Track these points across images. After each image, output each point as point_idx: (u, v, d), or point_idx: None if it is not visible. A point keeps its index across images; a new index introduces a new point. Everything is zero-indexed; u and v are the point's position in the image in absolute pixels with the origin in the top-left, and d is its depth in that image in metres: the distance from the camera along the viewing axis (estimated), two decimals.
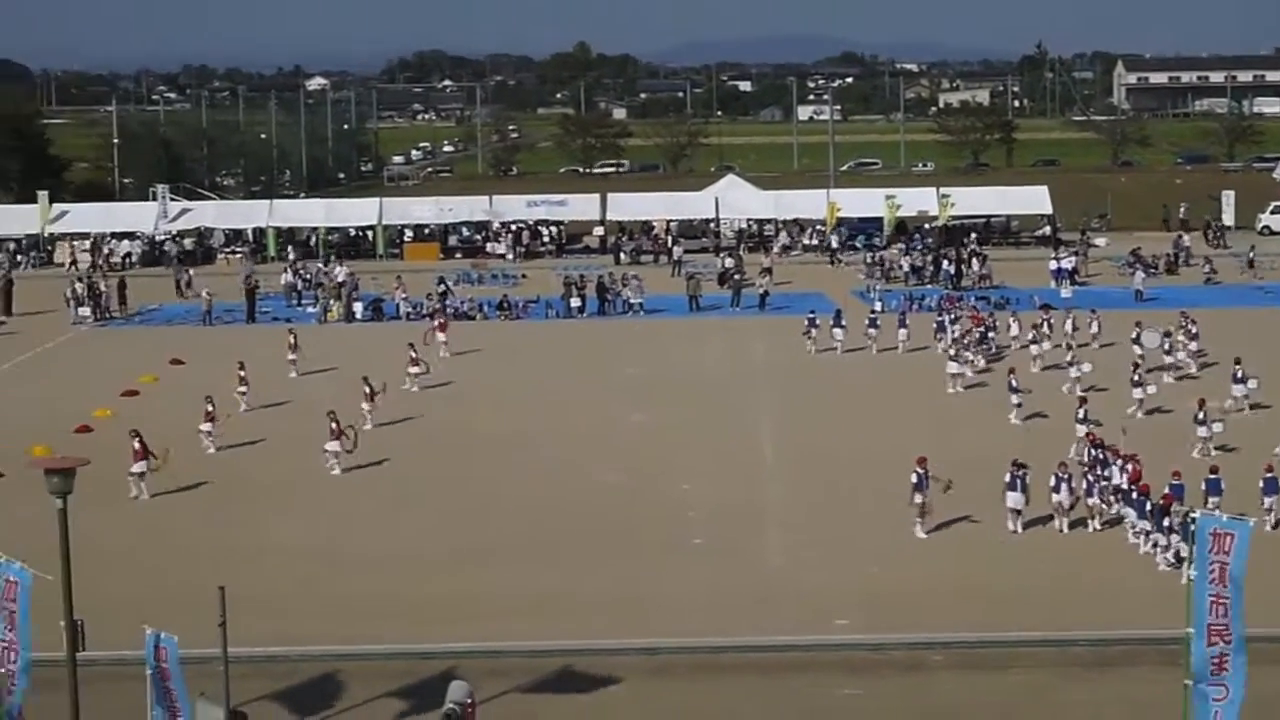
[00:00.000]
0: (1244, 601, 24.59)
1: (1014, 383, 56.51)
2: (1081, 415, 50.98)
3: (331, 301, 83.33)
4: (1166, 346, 63.66)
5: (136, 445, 46.95)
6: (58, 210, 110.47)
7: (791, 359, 68.30)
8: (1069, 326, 68.70)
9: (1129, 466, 43.12)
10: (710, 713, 31.37)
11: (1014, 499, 42.24)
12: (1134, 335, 64.43)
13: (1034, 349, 65.25)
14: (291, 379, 64.37)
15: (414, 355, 62.93)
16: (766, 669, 33.64)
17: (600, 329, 78.80)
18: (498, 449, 52.88)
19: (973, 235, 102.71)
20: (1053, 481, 42.41)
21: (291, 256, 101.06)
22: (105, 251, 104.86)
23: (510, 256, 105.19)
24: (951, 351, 62.53)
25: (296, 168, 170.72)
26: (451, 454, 52.47)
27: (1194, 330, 65.32)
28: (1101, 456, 44.53)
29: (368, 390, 55.80)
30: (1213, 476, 41.71)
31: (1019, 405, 55.64)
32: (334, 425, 49.88)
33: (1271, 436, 50.08)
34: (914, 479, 42.15)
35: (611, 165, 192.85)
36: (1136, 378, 57.09)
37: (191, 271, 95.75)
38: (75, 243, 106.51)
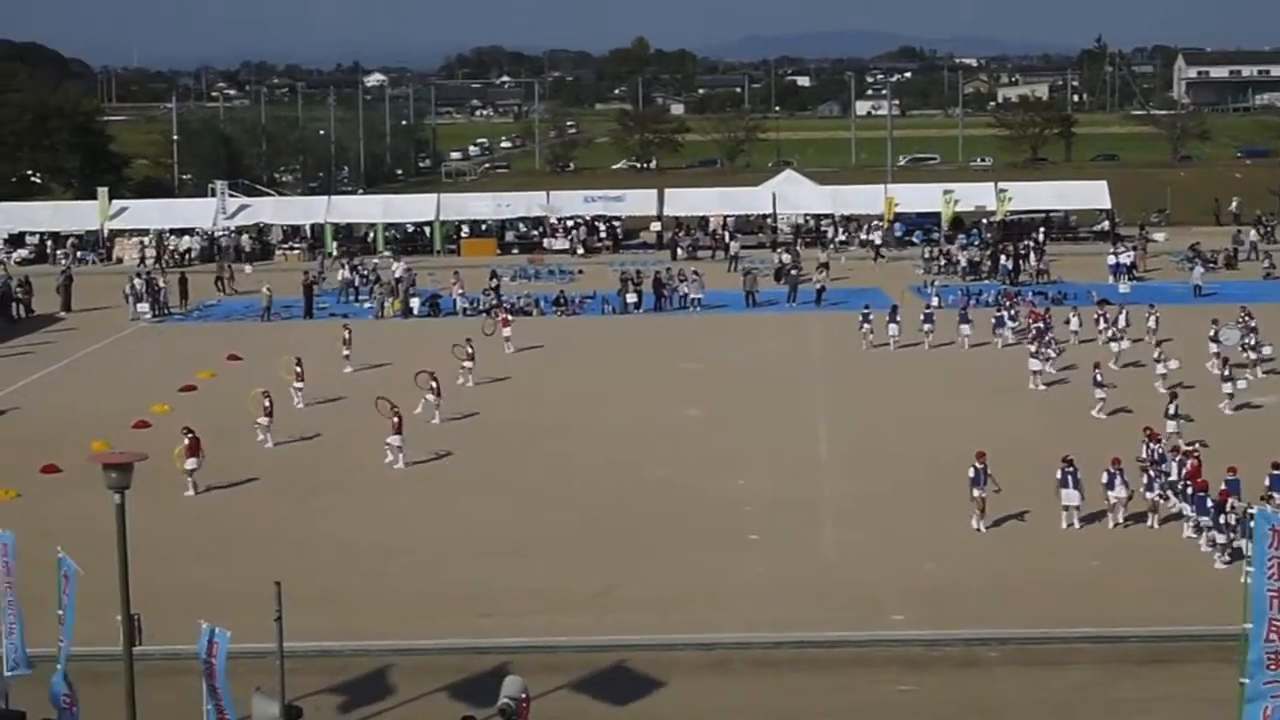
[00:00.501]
0: None
1: (1099, 377, 56.26)
2: (1172, 410, 50.71)
3: (387, 298, 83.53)
4: (1251, 341, 63.15)
5: (188, 441, 47.12)
6: (117, 206, 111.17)
7: (847, 354, 68.15)
8: (1123, 321, 68.40)
9: (1188, 462, 42.89)
10: (766, 708, 31.32)
11: (1068, 495, 42.06)
12: (1211, 333, 63.81)
13: (1114, 346, 64.68)
14: (346, 374, 64.53)
15: (470, 351, 63.02)
16: (822, 664, 33.59)
17: (657, 324, 78.78)
18: (553, 443, 52.97)
19: (1041, 230, 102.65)
20: (1105, 478, 42.22)
21: (334, 252, 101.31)
22: (170, 247, 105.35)
23: (581, 251, 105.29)
24: (1032, 349, 61.62)
25: (354, 164, 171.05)
26: (507, 448, 52.53)
27: (1253, 324, 64.84)
28: (1160, 452, 44.33)
29: (434, 384, 55.93)
30: (1276, 472, 41.40)
31: (1103, 400, 55.41)
32: (395, 419, 50.01)
33: None
34: (971, 473, 42.04)
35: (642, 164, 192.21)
36: (1226, 373, 56.94)
37: (249, 268, 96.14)
38: (142, 239, 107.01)
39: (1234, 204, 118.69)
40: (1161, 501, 42.48)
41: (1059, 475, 42.08)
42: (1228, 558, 37.93)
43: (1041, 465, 44.16)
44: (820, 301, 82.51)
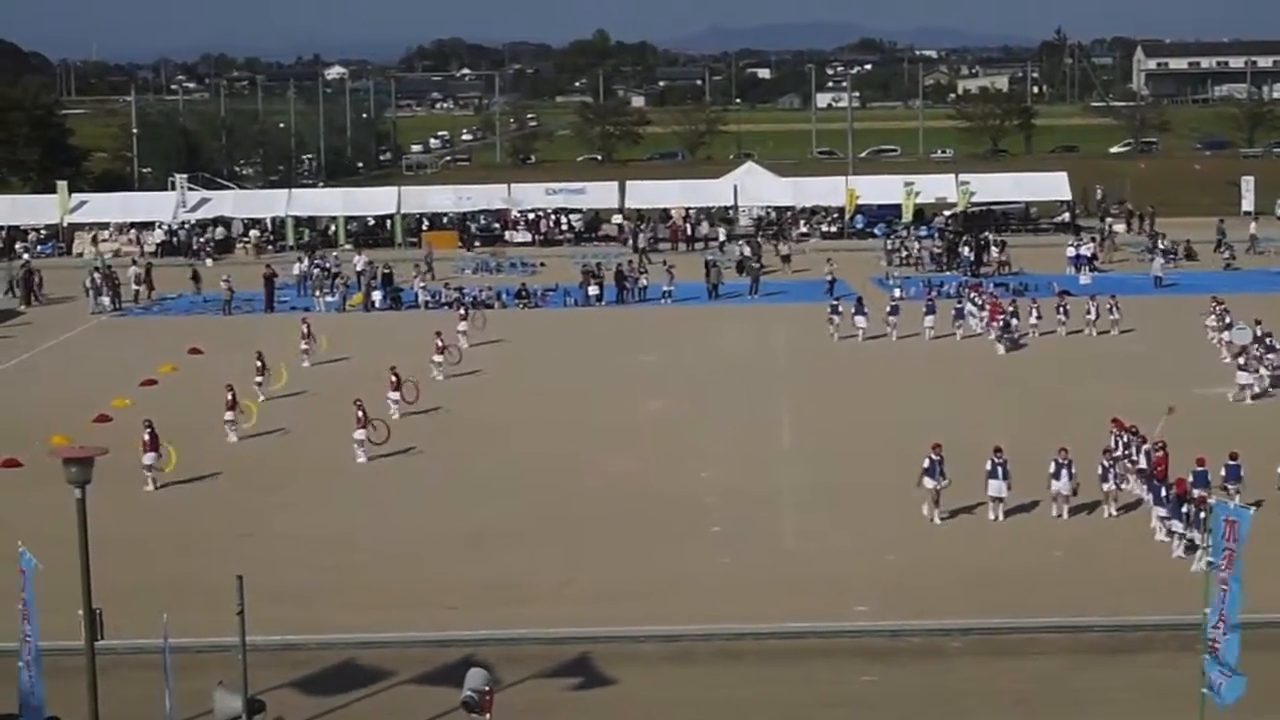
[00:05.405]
0: (1242, 586, 25.05)
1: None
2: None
3: (317, 291, 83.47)
4: (1258, 332, 62.24)
5: (146, 436, 47.00)
6: (76, 200, 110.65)
7: (812, 346, 68.20)
8: (1094, 313, 68.75)
9: (1156, 453, 42.88)
10: (729, 699, 31.35)
11: (995, 487, 42.11)
12: (1223, 338, 63.37)
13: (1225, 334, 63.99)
14: (305, 368, 64.35)
15: (440, 344, 62.98)
16: (786, 655, 33.66)
17: (618, 317, 78.75)
18: (515, 436, 52.95)
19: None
20: (1051, 468, 42.32)
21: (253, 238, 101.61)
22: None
23: (615, 246, 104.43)
24: (1241, 360, 58.26)
25: (315, 157, 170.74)
26: (469, 442, 52.51)
27: (1228, 318, 64.70)
28: (1123, 439, 44.37)
29: (394, 379, 55.80)
30: (1232, 463, 41.56)
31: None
32: (360, 414, 49.93)
33: None
34: (926, 464, 42.12)
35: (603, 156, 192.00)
36: (1241, 362, 57.52)
37: (209, 262, 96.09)
38: (132, 232, 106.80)
39: (1099, 192, 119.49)
40: (1119, 491, 42.59)
41: (987, 466, 42.16)
42: (1185, 547, 38.06)
43: (1010, 457, 44.13)
44: (833, 292, 77.54)
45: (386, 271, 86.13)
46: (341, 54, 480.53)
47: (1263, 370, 57.73)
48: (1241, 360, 57.96)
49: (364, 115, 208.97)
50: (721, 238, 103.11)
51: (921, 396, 57.87)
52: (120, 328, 79.07)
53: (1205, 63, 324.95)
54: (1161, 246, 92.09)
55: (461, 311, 72.43)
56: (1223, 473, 41.17)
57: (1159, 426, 44.66)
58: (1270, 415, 53.57)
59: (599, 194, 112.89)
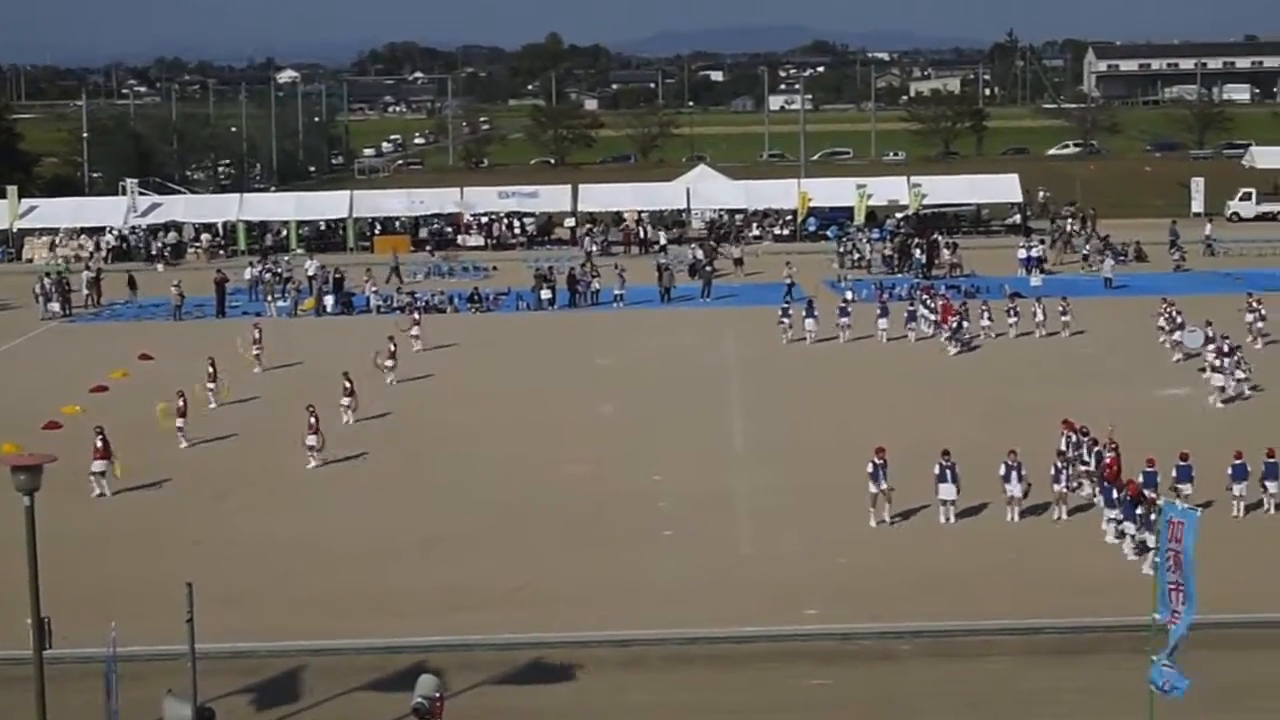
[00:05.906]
0: (1195, 586, 25.22)
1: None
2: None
3: (268, 296, 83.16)
4: (1209, 334, 62.60)
5: (99, 443, 46.77)
6: (26, 205, 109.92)
7: (762, 349, 68.23)
8: (1040, 314, 69.00)
9: (1106, 456, 42.97)
10: (681, 704, 31.34)
11: (945, 490, 42.17)
12: (1176, 339, 63.94)
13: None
14: (256, 374, 64.13)
15: (392, 349, 62.80)
16: (737, 659, 33.65)
17: (571, 321, 78.68)
18: (467, 441, 52.86)
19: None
20: (1002, 470, 42.39)
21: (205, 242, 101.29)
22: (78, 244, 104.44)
23: (568, 249, 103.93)
24: (1217, 363, 57.98)
25: (267, 161, 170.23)
26: (423, 447, 52.42)
27: (1179, 319, 64.98)
28: (1074, 440, 44.49)
29: (347, 385, 55.58)
30: (1183, 464, 41.71)
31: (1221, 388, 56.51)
32: (312, 419, 49.77)
33: (1258, 423, 50.49)
34: (870, 469, 42.15)
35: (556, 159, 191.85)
36: (1217, 364, 57.45)
37: (160, 267, 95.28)
38: (82, 238, 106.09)
39: (1041, 194, 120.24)
40: (1069, 493, 42.71)
41: (936, 470, 42.24)
42: (1137, 549, 38.18)
43: (959, 459, 44.20)
44: (791, 295, 76.25)
45: (338, 276, 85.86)
46: (294, 57, 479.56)
47: (1239, 373, 57.62)
48: (1219, 362, 57.72)
49: (316, 119, 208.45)
50: (663, 241, 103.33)
51: (872, 399, 57.99)
52: (70, 334, 78.68)
53: (1156, 64, 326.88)
54: (1088, 250, 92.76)
55: (415, 316, 72.35)
56: (1173, 474, 41.34)
57: (1106, 434, 44.83)
58: (1230, 418, 53.75)
59: (552, 197, 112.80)
